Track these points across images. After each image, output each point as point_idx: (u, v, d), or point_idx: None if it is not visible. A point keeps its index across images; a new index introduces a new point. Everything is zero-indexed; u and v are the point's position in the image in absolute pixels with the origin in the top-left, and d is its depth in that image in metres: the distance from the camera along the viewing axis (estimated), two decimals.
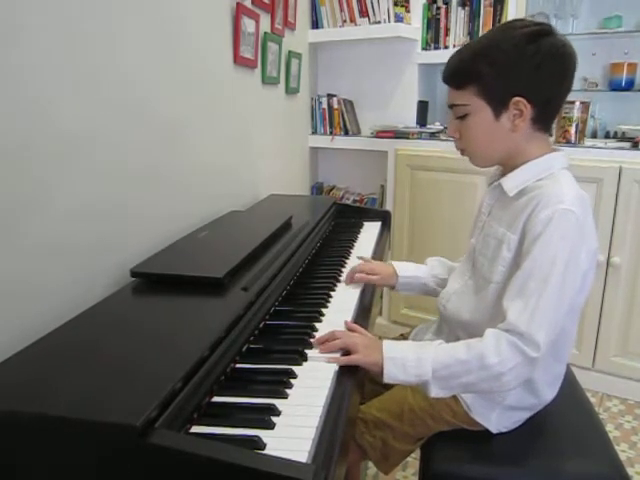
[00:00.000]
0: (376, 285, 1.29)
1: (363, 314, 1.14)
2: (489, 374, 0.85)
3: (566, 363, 1.04)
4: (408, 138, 2.29)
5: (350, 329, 1.00)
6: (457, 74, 0.95)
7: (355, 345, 0.91)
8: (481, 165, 1.02)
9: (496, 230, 0.97)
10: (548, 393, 1.02)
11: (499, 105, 0.92)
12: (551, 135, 2.04)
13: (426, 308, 2.26)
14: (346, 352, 0.92)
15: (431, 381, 0.88)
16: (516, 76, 0.90)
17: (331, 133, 2.55)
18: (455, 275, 1.11)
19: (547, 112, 0.94)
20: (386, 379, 0.90)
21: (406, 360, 0.89)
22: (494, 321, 0.90)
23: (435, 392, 0.89)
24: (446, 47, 2.35)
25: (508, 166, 0.98)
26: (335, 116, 2.52)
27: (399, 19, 2.30)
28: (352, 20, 2.37)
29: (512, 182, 0.96)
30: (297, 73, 2.28)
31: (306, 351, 0.91)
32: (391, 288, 1.28)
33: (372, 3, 2.30)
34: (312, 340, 0.95)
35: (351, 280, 1.23)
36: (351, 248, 1.54)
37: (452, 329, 1.09)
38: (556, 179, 0.91)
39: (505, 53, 0.89)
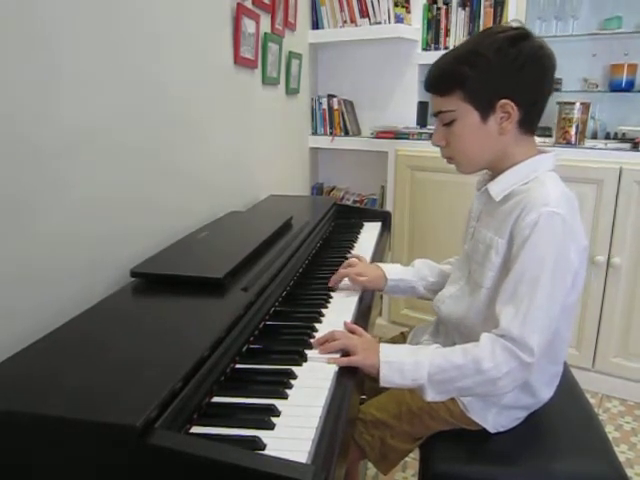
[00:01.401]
0: (365, 288, 1.26)
1: (363, 315, 1.15)
2: (484, 379, 0.85)
3: (563, 363, 1.04)
4: (408, 139, 2.29)
5: (350, 330, 1.00)
6: (441, 81, 0.95)
7: (354, 347, 0.92)
8: (468, 171, 1.02)
9: (484, 235, 0.97)
10: (545, 392, 1.03)
11: (486, 108, 0.92)
12: (550, 136, 2.04)
13: (426, 309, 2.24)
14: (345, 353, 0.92)
15: (427, 385, 0.88)
16: (501, 79, 0.90)
17: (331, 134, 2.55)
18: (452, 279, 1.11)
19: (532, 114, 0.94)
20: (382, 382, 0.90)
21: (402, 364, 0.89)
22: (487, 324, 0.91)
23: (431, 396, 0.89)
24: (446, 48, 2.34)
25: (496, 170, 0.98)
26: (335, 117, 2.52)
27: (399, 20, 2.30)
28: (352, 21, 2.37)
29: (498, 187, 0.96)
30: (297, 74, 2.28)
31: (306, 352, 0.92)
32: (379, 291, 1.27)
33: (372, 4, 2.30)
34: (312, 341, 0.95)
35: (335, 282, 1.22)
36: (351, 249, 1.54)
37: (448, 330, 1.10)
38: (541, 182, 0.91)
39: (488, 57, 0.89)
